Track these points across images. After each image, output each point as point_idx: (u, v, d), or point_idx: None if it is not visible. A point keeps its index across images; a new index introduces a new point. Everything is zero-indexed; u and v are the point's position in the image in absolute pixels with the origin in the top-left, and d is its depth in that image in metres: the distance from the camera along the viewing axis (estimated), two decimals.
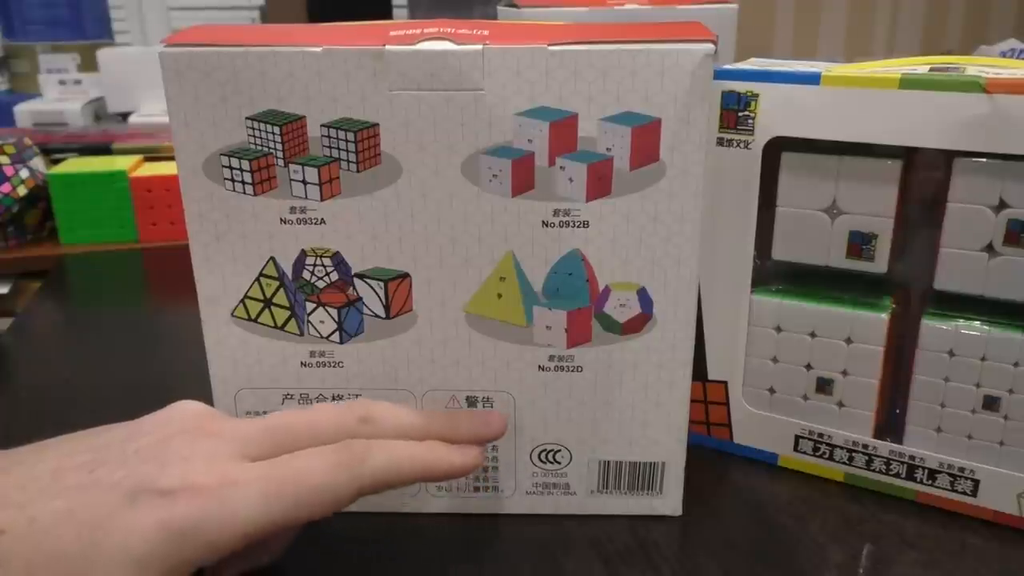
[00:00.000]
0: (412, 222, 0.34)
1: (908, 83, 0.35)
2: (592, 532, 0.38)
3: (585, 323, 0.35)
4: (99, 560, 0.25)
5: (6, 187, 0.91)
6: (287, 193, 0.34)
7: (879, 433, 0.40)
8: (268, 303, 0.36)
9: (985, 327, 0.37)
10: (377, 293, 0.35)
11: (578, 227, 0.34)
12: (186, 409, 0.31)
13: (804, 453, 0.42)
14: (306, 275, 0.35)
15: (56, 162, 1.00)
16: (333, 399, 0.37)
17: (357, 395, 0.37)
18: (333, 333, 0.36)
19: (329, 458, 0.29)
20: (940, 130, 0.34)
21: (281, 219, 0.35)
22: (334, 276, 0.35)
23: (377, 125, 0.33)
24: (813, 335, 0.40)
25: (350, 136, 0.33)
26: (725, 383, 0.42)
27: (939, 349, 0.38)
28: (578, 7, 0.59)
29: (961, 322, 0.37)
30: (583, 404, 0.37)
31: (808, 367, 0.41)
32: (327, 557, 0.36)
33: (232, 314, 0.36)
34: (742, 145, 0.38)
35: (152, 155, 1.05)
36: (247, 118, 0.33)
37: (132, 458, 0.28)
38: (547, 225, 0.34)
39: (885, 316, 0.39)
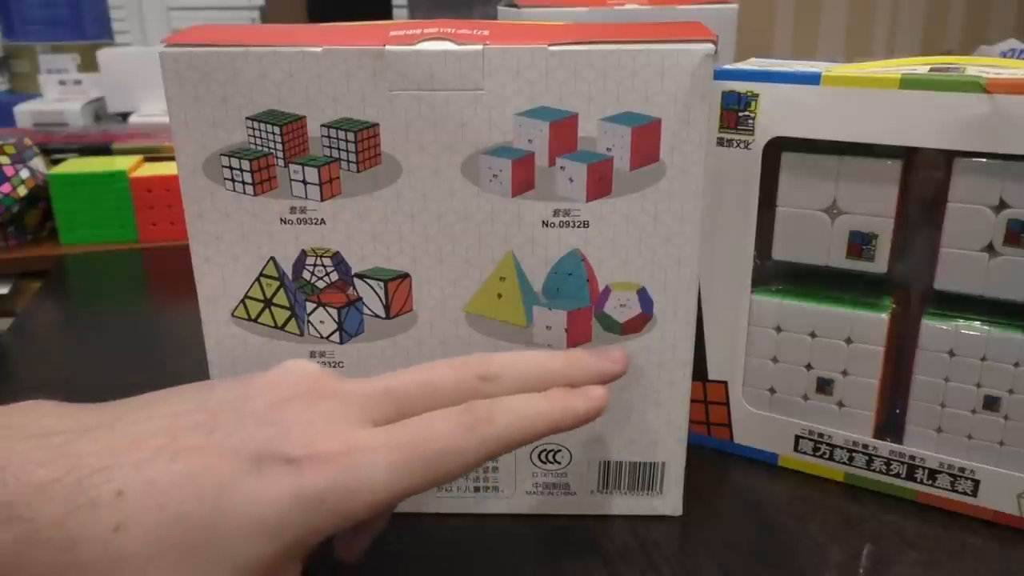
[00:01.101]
0: (412, 222, 0.34)
1: (908, 83, 0.35)
2: (592, 532, 0.38)
3: (585, 323, 0.35)
4: (224, 526, 0.25)
5: (6, 187, 0.91)
6: (287, 193, 0.34)
7: (879, 433, 0.40)
8: (268, 303, 0.36)
9: (985, 327, 0.37)
10: (377, 293, 0.35)
11: (578, 227, 0.34)
12: (298, 369, 0.29)
13: (804, 453, 0.42)
14: (306, 275, 0.35)
15: (56, 162, 1.00)
16: None
17: None
18: (333, 333, 0.36)
19: (455, 421, 0.28)
20: (940, 130, 0.34)
21: (281, 219, 0.35)
22: (334, 276, 0.35)
23: (377, 125, 0.33)
24: (813, 335, 0.40)
25: (350, 136, 0.33)
26: (725, 383, 0.42)
27: (939, 349, 0.38)
28: (578, 7, 0.59)
29: (961, 322, 0.37)
30: None
31: (808, 367, 0.41)
32: (325, 557, 0.36)
33: (232, 314, 0.36)
34: (742, 145, 0.38)
35: (152, 155, 1.05)
36: (247, 118, 0.33)
37: (248, 421, 0.27)
38: (547, 225, 0.34)
39: (885, 316, 0.39)
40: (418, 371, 0.30)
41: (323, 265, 0.35)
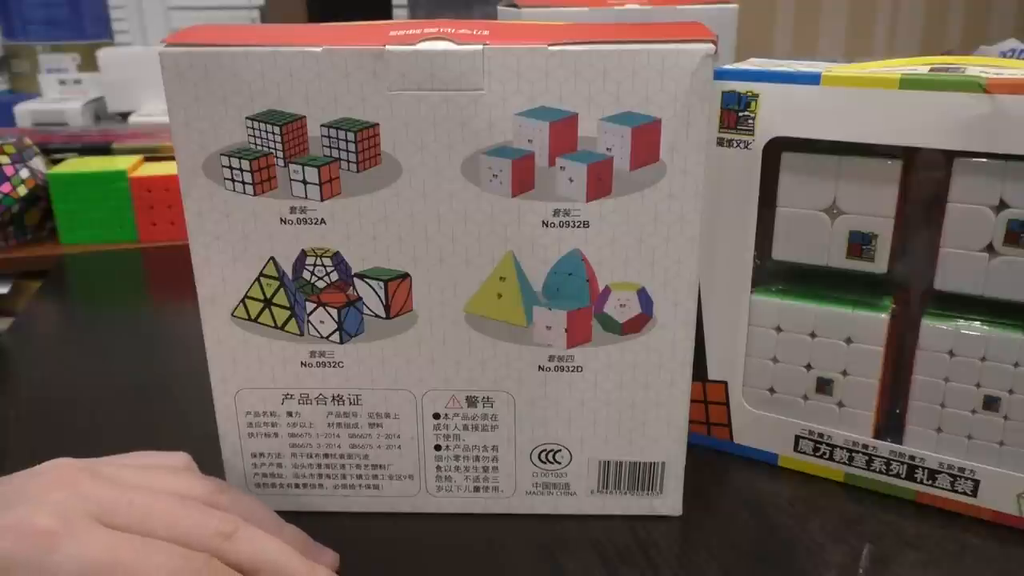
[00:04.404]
0: (412, 222, 0.34)
1: (908, 83, 0.35)
2: (592, 532, 0.38)
3: (585, 323, 0.35)
4: None
5: (6, 187, 0.91)
6: (287, 193, 0.34)
7: (879, 433, 0.40)
8: (268, 303, 0.36)
9: (985, 327, 0.37)
10: (377, 293, 0.35)
11: (578, 227, 0.34)
12: (58, 464, 0.31)
13: (804, 453, 0.42)
14: (306, 275, 0.35)
15: (56, 162, 1.00)
16: (333, 399, 0.37)
17: (357, 395, 0.37)
18: (333, 333, 0.36)
19: (170, 567, 0.28)
20: (940, 130, 0.34)
21: (281, 219, 0.35)
22: (334, 276, 0.35)
23: (377, 125, 0.33)
24: (813, 335, 0.40)
25: (350, 136, 0.33)
26: (725, 383, 0.42)
27: (939, 349, 0.38)
28: (578, 7, 0.59)
29: (961, 322, 0.37)
30: (583, 404, 0.37)
31: (808, 367, 0.41)
32: None
33: (232, 314, 0.36)
34: (742, 145, 0.38)
35: (152, 155, 1.05)
36: (247, 118, 0.33)
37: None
38: (547, 225, 0.34)
39: (885, 316, 0.39)
40: (168, 499, 0.30)
41: (323, 265, 0.35)
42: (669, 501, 0.38)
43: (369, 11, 1.47)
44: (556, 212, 0.34)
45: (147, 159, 1.02)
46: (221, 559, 0.29)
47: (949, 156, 0.36)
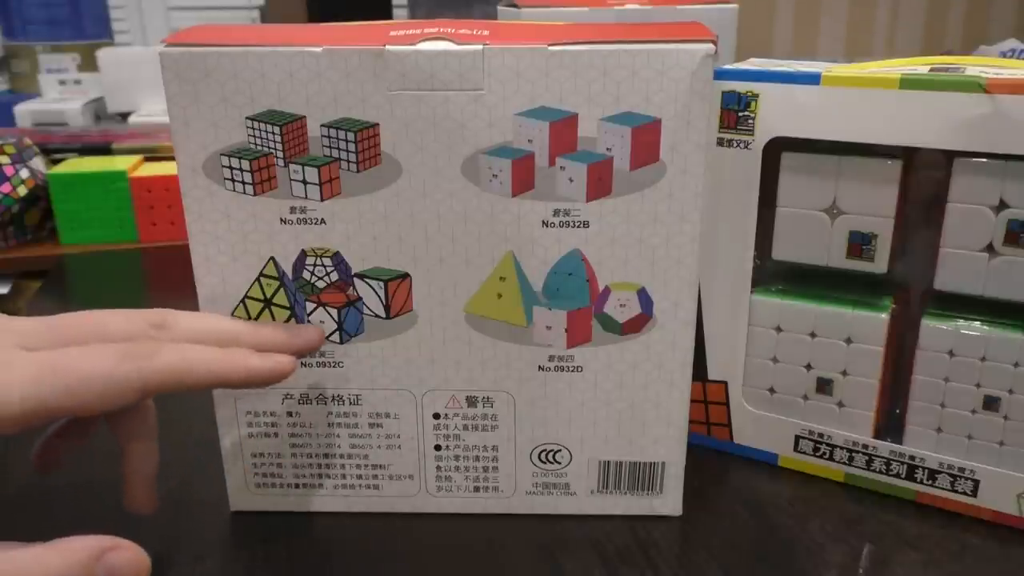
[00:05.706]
0: (412, 222, 0.34)
1: (908, 83, 0.35)
2: (592, 532, 0.38)
3: (585, 323, 0.35)
4: None
5: (6, 187, 0.91)
6: (287, 193, 0.34)
7: (879, 433, 0.40)
8: (268, 303, 0.36)
9: (985, 327, 0.37)
10: (377, 293, 0.35)
11: (578, 227, 0.34)
12: None
13: (804, 453, 0.42)
14: (306, 275, 0.35)
15: (56, 162, 1.00)
16: (333, 399, 0.37)
17: (357, 395, 0.37)
18: (333, 333, 0.36)
19: (111, 350, 0.28)
20: (940, 130, 0.34)
21: (281, 219, 0.35)
22: (334, 276, 0.35)
23: (377, 125, 0.33)
24: (813, 335, 0.40)
25: (350, 136, 0.33)
26: (725, 383, 0.42)
27: (939, 349, 0.38)
28: (578, 7, 0.59)
29: (961, 322, 0.37)
30: (583, 404, 0.37)
31: (808, 367, 0.41)
32: (326, 557, 0.36)
33: (232, 314, 0.36)
34: (742, 145, 0.38)
35: (152, 155, 1.05)
36: (247, 118, 0.33)
37: None
38: (547, 225, 0.34)
39: (885, 316, 0.39)
40: (89, 312, 0.31)
41: (323, 265, 0.35)
42: (669, 501, 0.38)
43: (369, 11, 1.47)
44: (556, 212, 0.34)
45: (147, 159, 1.02)
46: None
47: (949, 156, 0.36)
